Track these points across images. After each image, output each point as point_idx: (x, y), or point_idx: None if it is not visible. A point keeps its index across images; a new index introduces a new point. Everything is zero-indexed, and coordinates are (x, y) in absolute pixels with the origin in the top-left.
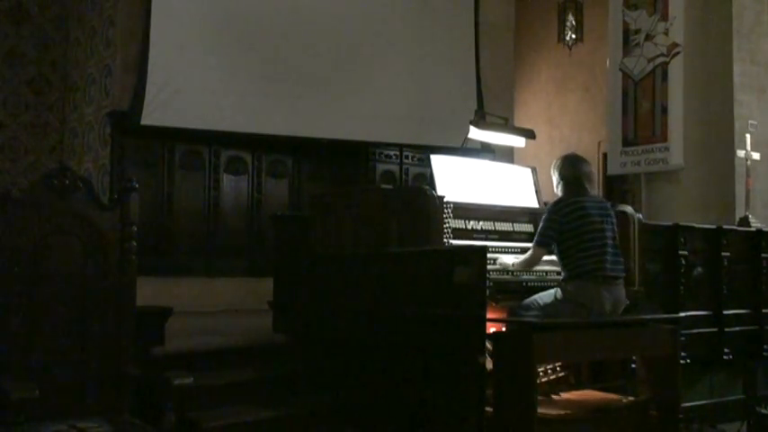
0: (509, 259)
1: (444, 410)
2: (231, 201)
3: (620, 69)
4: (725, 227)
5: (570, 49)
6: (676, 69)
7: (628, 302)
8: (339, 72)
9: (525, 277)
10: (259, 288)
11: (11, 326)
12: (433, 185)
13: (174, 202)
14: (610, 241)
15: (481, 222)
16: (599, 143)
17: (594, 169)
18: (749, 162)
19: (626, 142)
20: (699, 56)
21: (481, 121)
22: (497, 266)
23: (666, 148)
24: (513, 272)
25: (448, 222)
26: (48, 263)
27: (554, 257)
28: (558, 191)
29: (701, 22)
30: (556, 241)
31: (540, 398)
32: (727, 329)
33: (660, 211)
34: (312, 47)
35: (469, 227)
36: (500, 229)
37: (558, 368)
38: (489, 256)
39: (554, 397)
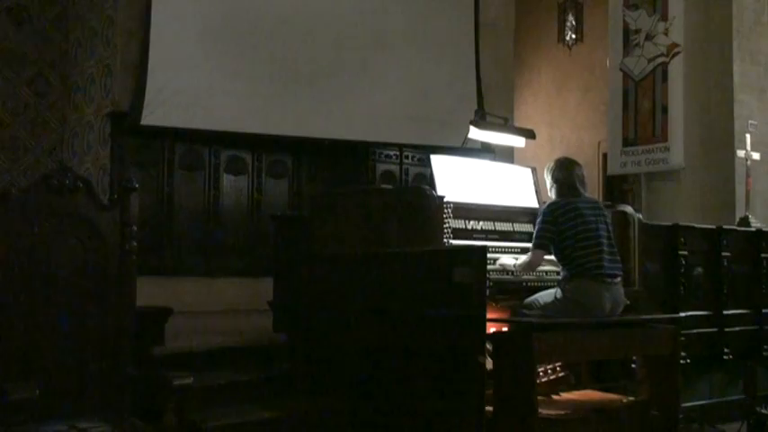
0: (509, 260)
1: (444, 410)
2: (231, 201)
3: (621, 69)
4: (725, 227)
5: (570, 50)
6: (676, 69)
7: (627, 302)
8: (339, 72)
9: (525, 277)
10: (259, 288)
11: (10, 326)
12: (433, 185)
13: (174, 202)
14: (605, 240)
15: (481, 222)
16: (599, 143)
17: (587, 171)
18: (749, 162)
19: (626, 142)
20: (699, 56)
21: (481, 121)
22: (497, 267)
23: (666, 148)
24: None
25: (448, 222)
26: (47, 263)
27: (553, 257)
28: (551, 194)
29: (701, 22)
30: (553, 243)
31: (540, 398)
32: (727, 329)
33: (660, 211)
34: (312, 47)
35: (469, 227)
36: (500, 229)
37: (558, 368)
38: (489, 256)
39: (554, 397)
